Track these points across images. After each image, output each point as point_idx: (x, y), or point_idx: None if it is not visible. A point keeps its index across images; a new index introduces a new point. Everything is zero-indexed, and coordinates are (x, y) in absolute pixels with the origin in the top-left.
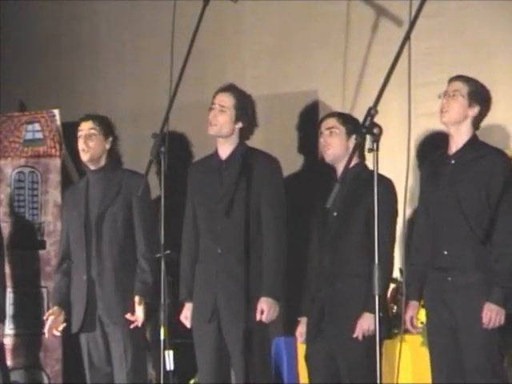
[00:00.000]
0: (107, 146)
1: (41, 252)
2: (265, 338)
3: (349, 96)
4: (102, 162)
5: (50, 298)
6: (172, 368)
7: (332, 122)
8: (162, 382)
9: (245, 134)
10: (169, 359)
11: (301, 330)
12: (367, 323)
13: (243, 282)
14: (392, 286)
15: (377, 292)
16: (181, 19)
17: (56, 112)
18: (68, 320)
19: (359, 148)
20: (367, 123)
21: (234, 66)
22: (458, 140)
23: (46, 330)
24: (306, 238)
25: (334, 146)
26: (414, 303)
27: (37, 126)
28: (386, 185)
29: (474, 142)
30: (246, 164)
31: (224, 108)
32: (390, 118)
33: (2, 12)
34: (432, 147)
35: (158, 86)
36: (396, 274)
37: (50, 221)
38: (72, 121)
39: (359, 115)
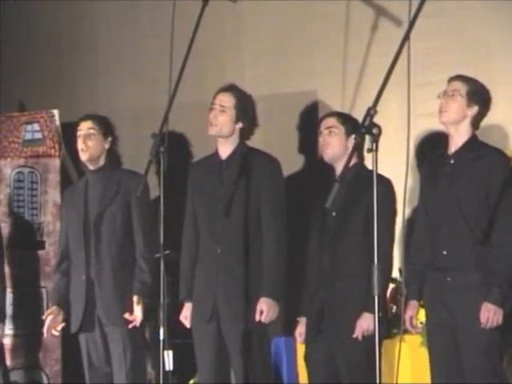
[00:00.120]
0: (106, 146)
1: (40, 252)
2: (264, 338)
3: (348, 96)
4: (101, 162)
5: (49, 298)
6: (171, 368)
7: (331, 121)
8: (161, 382)
9: (245, 134)
10: (168, 359)
11: (300, 330)
12: (367, 323)
13: (243, 282)
14: (391, 286)
15: (376, 292)
16: (180, 19)
17: (55, 112)
18: (67, 320)
19: (358, 148)
20: (366, 123)
21: (234, 66)
22: (458, 140)
23: (44, 330)
24: (305, 238)
25: (333, 146)
26: (413, 303)
27: (36, 126)
28: (385, 185)
29: (473, 142)
30: (246, 164)
31: (224, 108)
32: (389, 118)
33: (1, 12)
34: (431, 147)
35: (157, 86)
36: (395, 274)
37: (50, 221)
38: (71, 121)
39: (358, 115)
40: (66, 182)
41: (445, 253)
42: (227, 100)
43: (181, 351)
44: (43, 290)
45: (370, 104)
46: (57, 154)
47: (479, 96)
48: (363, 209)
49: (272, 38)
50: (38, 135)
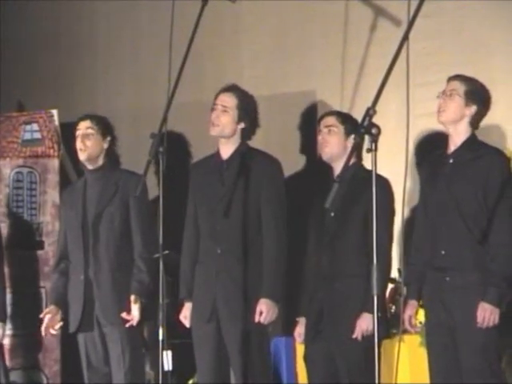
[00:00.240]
0: (105, 146)
1: (39, 252)
2: (264, 339)
3: (347, 96)
4: (100, 162)
5: (48, 297)
6: (170, 368)
7: (331, 120)
8: (160, 382)
9: (247, 134)
10: (167, 359)
11: (299, 331)
12: (366, 323)
13: (243, 283)
14: (390, 286)
15: (375, 292)
16: (179, 19)
17: (54, 112)
18: (65, 320)
19: (358, 148)
20: (366, 123)
21: (233, 66)
22: (457, 139)
23: (42, 329)
24: (304, 238)
25: (332, 145)
26: (412, 302)
27: (35, 126)
28: (383, 185)
29: (472, 142)
30: (247, 164)
31: (226, 108)
32: (388, 118)
33: (1, 12)
34: (430, 147)
35: (156, 86)
36: (394, 274)
37: (49, 221)
38: (70, 121)
39: (358, 115)
40: (64, 182)
41: (443, 253)
42: (229, 100)
43: (180, 351)
44: (42, 290)
45: (369, 104)
46: (56, 154)
47: (478, 95)
48: (362, 209)
49: (271, 38)
50: (37, 135)
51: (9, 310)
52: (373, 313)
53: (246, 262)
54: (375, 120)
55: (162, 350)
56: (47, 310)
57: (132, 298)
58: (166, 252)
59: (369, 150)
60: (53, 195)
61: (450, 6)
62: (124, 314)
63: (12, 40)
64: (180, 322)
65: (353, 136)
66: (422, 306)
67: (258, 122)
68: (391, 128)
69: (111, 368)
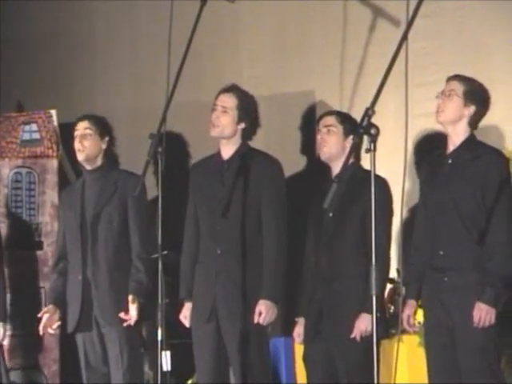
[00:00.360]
0: (103, 146)
1: (38, 252)
2: (263, 339)
3: (346, 96)
4: (99, 162)
5: (47, 297)
6: (169, 368)
7: (330, 120)
8: (159, 382)
9: (247, 134)
10: (166, 359)
11: (298, 331)
12: (365, 324)
13: (242, 283)
14: (389, 286)
15: (374, 292)
16: (178, 19)
17: (53, 112)
18: (64, 319)
19: (356, 148)
20: (364, 123)
21: (232, 66)
22: (455, 139)
23: (40, 328)
24: (303, 238)
25: (331, 145)
26: (411, 302)
27: (34, 127)
28: (381, 185)
29: (471, 142)
30: (247, 165)
31: (226, 109)
32: (387, 119)
33: (0, 12)
34: (429, 147)
35: (155, 87)
36: (393, 274)
37: (47, 221)
38: (69, 121)
39: (357, 115)
40: (63, 183)
41: (441, 253)
42: (229, 101)
43: (179, 351)
44: (41, 291)
45: (368, 104)
46: (55, 154)
47: (477, 96)
48: (360, 209)
49: (270, 38)
50: (36, 135)
51: (8, 310)
52: (371, 313)
53: (246, 263)
54: (374, 120)
55: (161, 350)
56: (45, 309)
57: (130, 298)
58: (165, 252)
59: (367, 150)
60: (51, 195)
61: (449, 6)
62: (122, 314)
63: (11, 40)
64: (179, 322)
65: (351, 136)
66: (420, 306)
67: (259, 121)
68: (390, 128)
69: (110, 368)
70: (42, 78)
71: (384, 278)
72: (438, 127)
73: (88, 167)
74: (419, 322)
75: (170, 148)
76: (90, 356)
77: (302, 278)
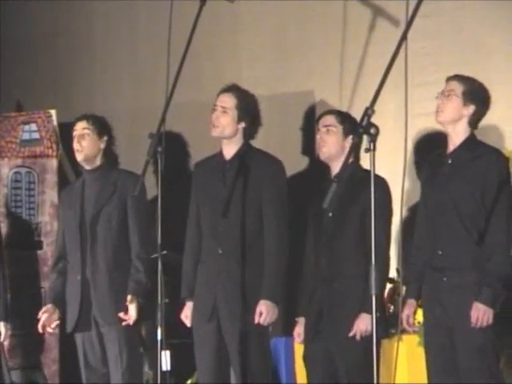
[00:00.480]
0: (102, 146)
1: (38, 252)
2: (264, 339)
3: (346, 96)
4: (98, 162)
5: (46, 297)
6: (169, 368)
7: (330, 119)
8: (158, 382)
9: (249, 133)
10: (165, 359)
11: (298, 331)
12: (364, 324)
13: (243, 283)
14: (389, 285)
15: (374, 292)
16: (177, 19)
17: (53, 112)
18: (63, 319)
19: (356, 148)
20: (364, 123)
21: (231, 67)
22: (455, 139)
23: (39, 327)
24: (303, 238)
25: (330, 144)
26: (411, 302)
27: (33, 127)
28: (381, 184)
29: (471, 141)
30: (249, 165)
31: (226, 109)
32: (386, 118)
33: (0, 12)
34: (429, 147)
35: (154, 87)
36: (393, 273)
37: (47, 221)
38: (69, 121)
39: (356, 115)
40: (63, 182)
41: (440, 253)
42: (228, 100)
43: (178, 351)
44: (41, 290)
45: (368, 104)
46: (54, 154)
47: (476, 95)
48: (359, 209)
49: (269, 38)
50: (36, 135)
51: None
52: (371, 313)
53: (248, 263)
54: (373, 120)
55: (161, 349)
56: (44, 308)
57: (128, 297)
58: (164, 252)
59: (367, 150)
60: (51, 195)
61: (448, 6)
62: (121, 314)
63: (11, 40)
64: (179, 322)
65: (351, 136)
66: (420, 306)
67: (260, 120)
68: (390, 128)
69: (109, 368)
70: (42, 78)
71: (384, 277)
72: (438, 127)
73: (87, 167)
74: (419, 322)
75: (170, 148)
76: (90, 356)
77: (302, 277)
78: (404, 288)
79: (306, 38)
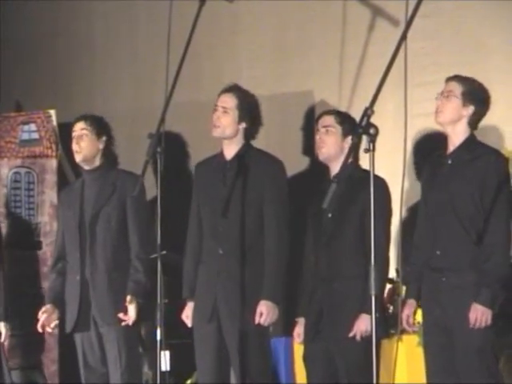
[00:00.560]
0: (100, 146)
1: (37, 252)
2: (264, 339)
3: (345, 96)
4: (97, 162)
5: (46, 297)
6: (168, 368)
7: (329, 120)
8: (158, 382)
9: (250, 133)
10: (165, 359)
11: (298, 331)
12: (365, 324)
13: (243, 283)
14: (388, 286)
15: (373, 292)
16: (177, 19)
17: (52, 112)
18: (62, 319)
19: (355, 148)
20: (363, 123)
21: (231, 67)
22: (455, 140)
23: (38, 327)
24: (303, 238)
25: (329, 145)
26: (411, 302)
27: (33, 127)
28: (380, 185)
29: (470, 142)
30: (250, 165)
31: (227, 109)
32: (386, 119)
33: (0, 12)
34: (428, 147)
35: (154, 87)
36: (392, 274)
37: (47, 221)
38: (68, 121)
39: (356, 115)
40: (62, 183)
41: (438, 253)
42: (229, 101)
43: (178, 351)
44: (40, 291)
45: (367, 104)
46: (54, 154)
47: (475, 96)
48: (359, 209)
49: (269, 38)
50: (35, 135)
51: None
52: (371, 313)
53: (248, 263)
54: (373, 120)
55: (160, 350)
56: (43, 308)
57: (128, 298)
58: (164, 252)
59: (367, 150)
60: (51, 195)
61: (448, 6)
62: (121, 315)
63: (10, 40)
64: (179, 322)
65: (350, 137)
66: (420, 306)
67: (261, 121)
68: (389, 128)
69: (108, 368)
70: (42, 78)
71: (383, 277)
72: (437, 127)
73: (86, 167)
74: (418, 322)
75: (169, 148)
76: (89, 356)
77: (301, 278)
78: (404, 288)
79: (305, 38)
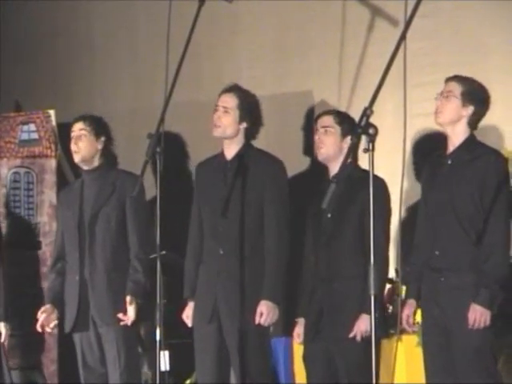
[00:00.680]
0: (99, 147)
1: (36, 252)
2: (264, 339)
3: (344, 96)
4: (96, 163)
5: (45, 297)
6: (167, 368)
7: (328, 120)
8: (157, 382)
9: (250, 133)
10: (164, 359)
11: (298, 331)
12: (365, 324)
13: (244, 283)
14: (388, 286)
15: (372, 292)
16: (176, 19)
17: (51, 112)
18: (62, 319)
19: (354, 148)
20: (363, 123)
21: (230, 67)
22: (455, 140)
23: (38, 327)
24: (303, 238)
25: (328, 145)
26: (411, 302)
27: (32, 127)
28: (379, 185)
29: (470, 142)
30: (250, 165)
31: (227, 109)
32: (385, 119)
33: (0, 12)
34: (427, 147)
35: (154, 87)
36: (392, 274)
37: (46, 221)
38: (68, 121)
39: (355, 115)
40: (62, 183)
41: (437, 253)
42: (230, 101)
43: (177, 351)
44: (39, 291)
45: (367, 104)
46: (53, 154)
47: (475, 96)
48: (358, 209)
49: (269, 39)
50: (34, 135)
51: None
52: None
53: (249, 263)
54: (372, 120)
55: (159, 350)
56: (43, 309)
57: (128, 298)
58: (163, 252)
59: (366, 150)
60: (50, 195)
61: (447, 6)
62: (120, 315)
63: (10, 40)
64: (178, 322)
65: (349, 137)
66: (419, 306)
67: (262, 120)
68: (388, 128)
69: (107, 368)
70: (41, 78)
71: (383, 277)
72: (437, 127)
73: (85, 167)
74: (417, 322)
75: (169, 148)
76: (88, 356)
77: (301, 278)
78: (403, 288)
79: (305, 39)
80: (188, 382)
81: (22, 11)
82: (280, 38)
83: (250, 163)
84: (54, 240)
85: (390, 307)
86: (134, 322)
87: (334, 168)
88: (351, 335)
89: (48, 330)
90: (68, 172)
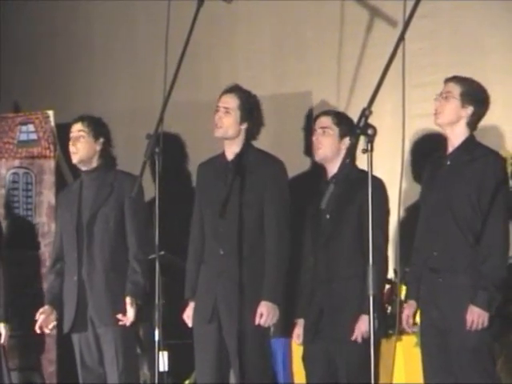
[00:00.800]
0: (98, 148)
1: (35, 253)
2: (264, 340)
3: (343, 97)
4: (94, 164)
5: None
6: (166, 369)
7: (326, 121)
8: (156, 382)
9: (251, 134)
10: (163, 360)
11: (298, 332)
12: (365, 325)
13: (244, 284)
14: (387, 286)
15: (371, 292)
16: (175, 20)
17: (50, 113)
18: (60, 320)
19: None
20: (361, 124)
21: (229, 67)
22: (454, 141)
23: (36, 328)
24: (302, 239)
25: (326, 146)
26: (411, 302)
27: (31, 127)
28: (377, 185)
29: (469, 143)
30: (251, 166)
31: (228, 109)
32: (384, 119)
33: (0, 13)
34: (426, 148)
35: (152, 87)
36: (390, 274)
37: (45, 222)
38: (67, 122)
39: (353, 115)
40: (60, 183)
41: (435, 254)
42: (231, 101)
43: (176, 352)
44: (39, 291)
45: (365, 104)
46: (52, 154)
47: (474, 96)
48: (356, 209)
49: (267, 39)
50: (33, 136)
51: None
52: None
53: (249, 263)
54: (371, 120)
55: (158, 350)
56: (41, 310)
57: (127, 299)
58: (162, 253)
59: (365, 151)
60: (48, 196)
61: (446, 7)
62: (120, 316)
63: (9, 40)
64: (177, 323)
65: (347, 138)
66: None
67: (262, 121)
68: (387, 128)
69: (105, 369)
70: (40, 79)
71: (382, 278)
72: (435, 128)
73: (84, 168)
74: (416, 323)
75: (168, 148)
76: (86, 356)
77: (300, 278)
78: (402, 288)
79: (303, 39)
80: (187, 382)
81: (21, 11)
82: (279, 38)
83: (250, 164)
84: (52, 241)
85: (389, 308)
86: (133, 323)
87: (332, 169)
88: (353, 338)
89: (47, 331)
90: (67, 172)
